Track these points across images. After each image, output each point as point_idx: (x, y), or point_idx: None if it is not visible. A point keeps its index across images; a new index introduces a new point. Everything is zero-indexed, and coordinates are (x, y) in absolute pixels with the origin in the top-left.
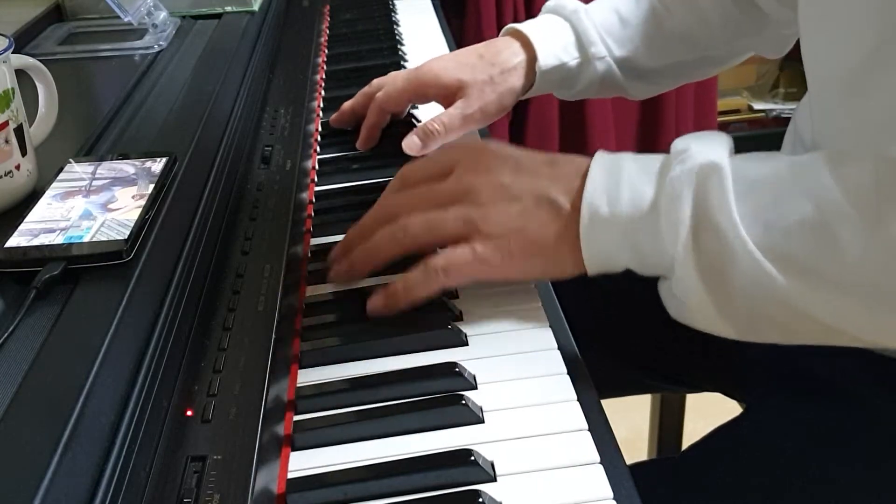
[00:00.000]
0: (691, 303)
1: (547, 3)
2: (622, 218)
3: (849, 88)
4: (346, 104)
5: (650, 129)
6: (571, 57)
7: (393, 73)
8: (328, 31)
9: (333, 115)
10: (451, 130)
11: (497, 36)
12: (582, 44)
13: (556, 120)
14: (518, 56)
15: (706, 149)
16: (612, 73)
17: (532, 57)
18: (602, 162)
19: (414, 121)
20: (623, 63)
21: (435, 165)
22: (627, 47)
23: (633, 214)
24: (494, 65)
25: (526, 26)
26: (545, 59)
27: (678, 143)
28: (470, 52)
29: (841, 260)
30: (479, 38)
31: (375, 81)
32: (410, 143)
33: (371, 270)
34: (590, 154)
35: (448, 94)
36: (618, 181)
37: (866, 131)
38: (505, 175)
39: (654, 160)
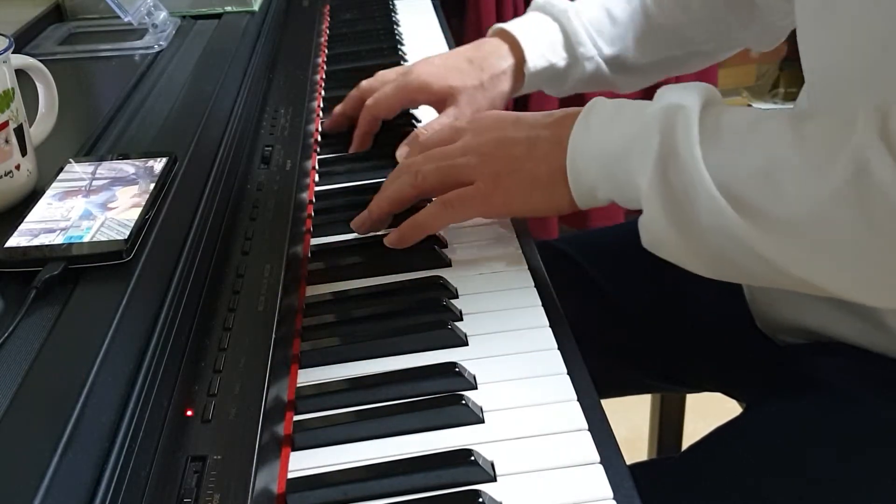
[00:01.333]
0: (658, 234)
1: (535, 1)
2: (600, 151)
3: (845, 83)
4: (338, 108)
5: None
6: (560, 58)
7: (381, 75)
8: (328, 31)
9: (326, 122)
10: None
11: None
12: (570, 44)
13: None
14: (507, 60)
15: (680, 93)
16: (601, 70)
17: (520, 59)
18: (592, 104)
19: (414, 122)
20: (612, 60)
21: (448, 131)
22: (617, 45)
23: (610, 149)
24: (484, 70)
25: (514, 27)
26: (533, 61)
27: (661, 89)
28: (459, 56)
29: (784, 204)
30: (479, 38)
31: (364, 84)
32: (403, 154)
33: (388, 215)
34: None
35: (439, 101)
36: (601, 119)
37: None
38: (506, 129)
39: (638, 103)
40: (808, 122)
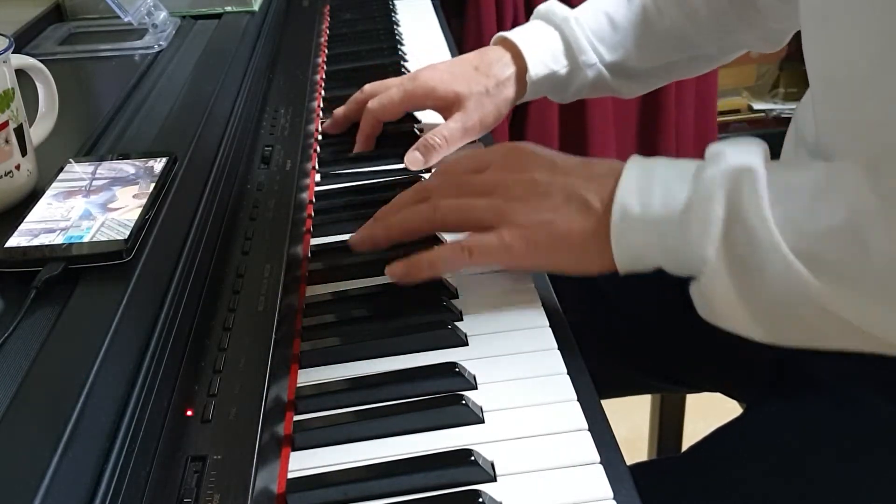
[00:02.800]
0: (720, 303)
1: (537, 9)
2: (654, 217)
3: (851, 88)
4: (339, 111)
5: (650, 129)
6: (561, 66)
7: (386, 82)
8: (328, 31)
9: (326, 123)
10: (452, 143)
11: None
12: (572, 52)
13: (556, 120)
14: (509, 68)
15: (740, 153)
16: (603, 77)
17: (522, 67)
18: (636, 163)
19: (416, 129)
20: (614, 67)
21: (473, 161)
22: (619, 52)
23: (664, 214)
24: (489, 76)
25: (515, 35)
26: (535, 69)
27: (712, 147)
28: (464, 63)
29: (869, 264)
30: (479, 38)
31: (367, 88)
32: (412, 159)
33: (392, 241)
34: (590, 153)
35: (445, 106)
36: (650, 181)
37: (870, 131)
38: (538, 172)
39: (688, 163)
40: (884, 173)
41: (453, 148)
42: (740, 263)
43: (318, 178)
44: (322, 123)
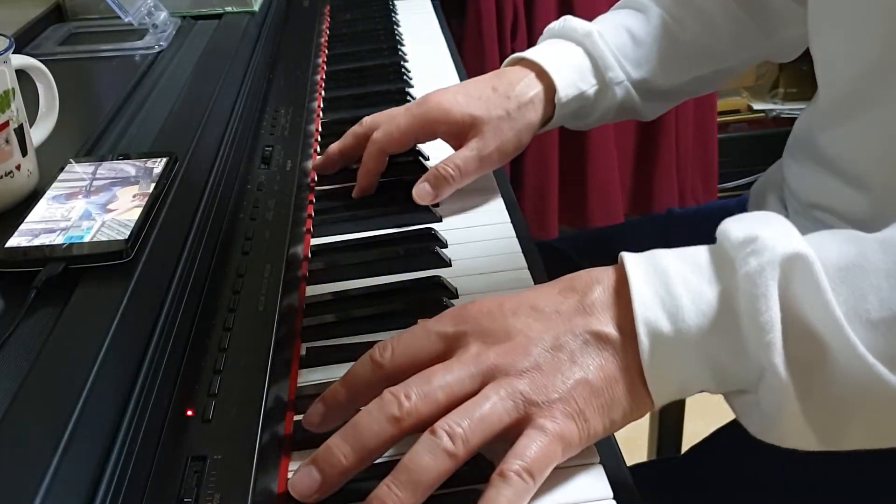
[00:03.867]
0: (784, 417)
1: (551, 27)
2: (690, 331)
3: (858, 95)
4: (334, 147)
5: (650, 129)
6: (589, 84)
7: (390, 111)
8: (328, 32)
9: (318, 160)
10: (467, 174)
11: (496, 38)
12: (599, 70)
13: None
14: (534, 88)
15: (780, 235)
16: (630, 96)
17: (549, 87)
18: (639, 268)
19: (421, 158)
20: (640, 85)
21: (424, 340)
22: (644, 68)
23: (702, 324)
24: (510, 98)
25: (537, 54)
26: (565, 90)
27: (735, 231)
28: (481, 83)
29: None
30: (479, 38)
31: (367, 120)
32: (421, 192)
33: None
34: (588, 155)
35: (460, 132)
36: (669, 287)
37: (880, 136)
38: (529, 328)
39: (697, 252)
40: None
41: (467, 179)
42: (803, 369)
43: (317, 178)
44: (315, 162)
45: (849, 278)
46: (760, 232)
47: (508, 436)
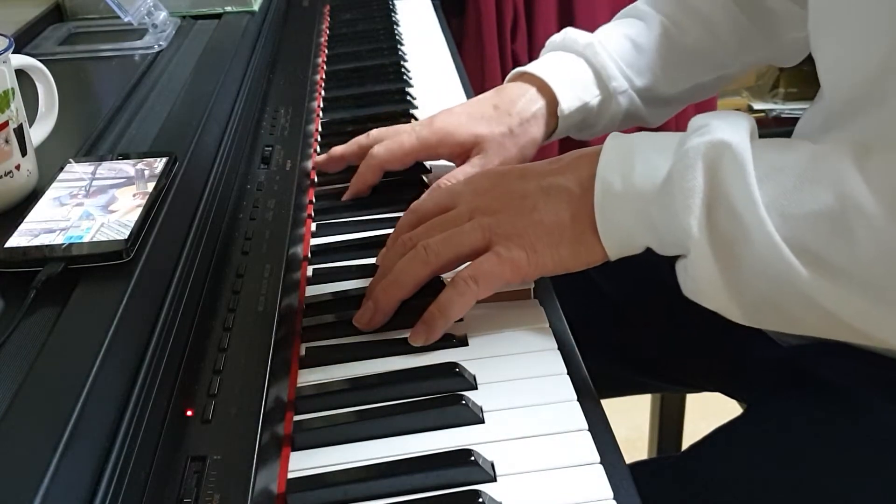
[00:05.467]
0: (703, 281)
1: (552, 39)
2: (635, 192)
3: (861, 98)
4: (337, 150)
5: (649, 129)
6: (592, 96)
7: (398, 128)
8: (328, 31)
9: (321, 158)
10: None
11: (496, 38)
12: (602, 80)
13: None
14: (536, 103)
15: (726, 127)
16: (634, 105)
17: (552, 101)
18: (615, 139)
19: (424, 175)
20: (644, 93)
21: (445, 195)
22: (646, 76)
23: (646, 188)
24: (512, 115)
25: (538, 68)
26: (567, 102)
27: (697, 119)
28: (482, 102)
29: (854, 253)
30: (479, 38)
31: (374, 133)
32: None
33: (398, 302)
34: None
35: (463, 152)
36: (631, 157)
37: (884, 138)
38: (510, 183)
39: (668, 136)
40: (873, 158)
41: None
42: (724, 240)
43: (317, 177)
44: (317, 158)
45: (777, 176)
46: (713, 121)
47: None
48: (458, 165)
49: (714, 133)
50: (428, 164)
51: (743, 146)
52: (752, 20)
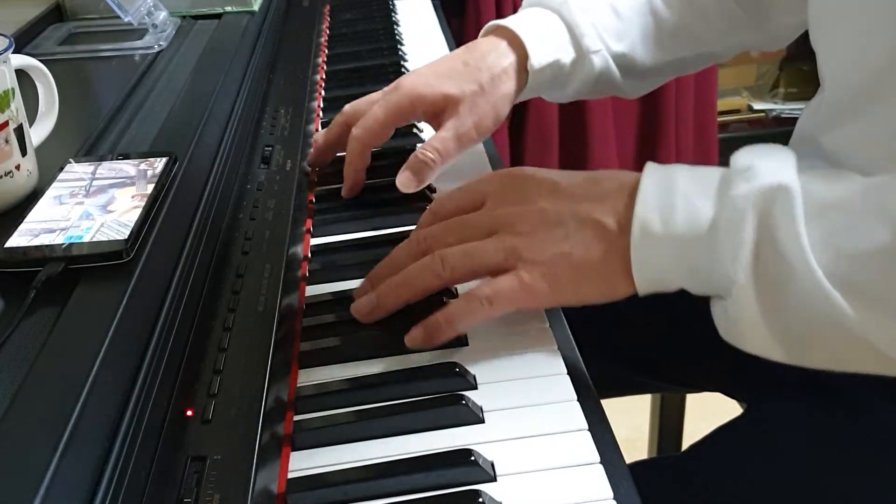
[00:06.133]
0: (745, 326)
1: None
2: (677, 235)
3: (866, 92)
4: (319, 136)
5: (650, 129)
6: (565, 52)
7: (367, 99)
8: (328, 31)
9: (310, 155)
10: (448, 155)
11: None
12: (575, 37)
13: (556, 120)
14: (507, 57)
15: (773, 167)
16: (609, 69)
17: (522, 55)
18: (653, 176)
19: (416, 131)
20: (620, 59)
21: (467, 196)
22: (624, 42)
23: (689, 232)
24: (482, 70)
25: (511, 22)
26: (538, 58)
27: (741, 159)
28: (452, 59)
29: None
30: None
31: (347, 108)
32: (404, 180)
33: (403, 303)
34: (589, 154)
35: (436, 113)
36: (671, 196)
37: (889, 135)
38: (542, 200)
39: (710, 173)
40: None
41: (449, 161)
42: (770, 286)
43: (317, 178)
44: (307, 155)
45: (827, 212)
46: (758, 161)
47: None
48: (433, 126)
49: (762, 178)
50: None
51: (794, 189)
52: (740, 2)
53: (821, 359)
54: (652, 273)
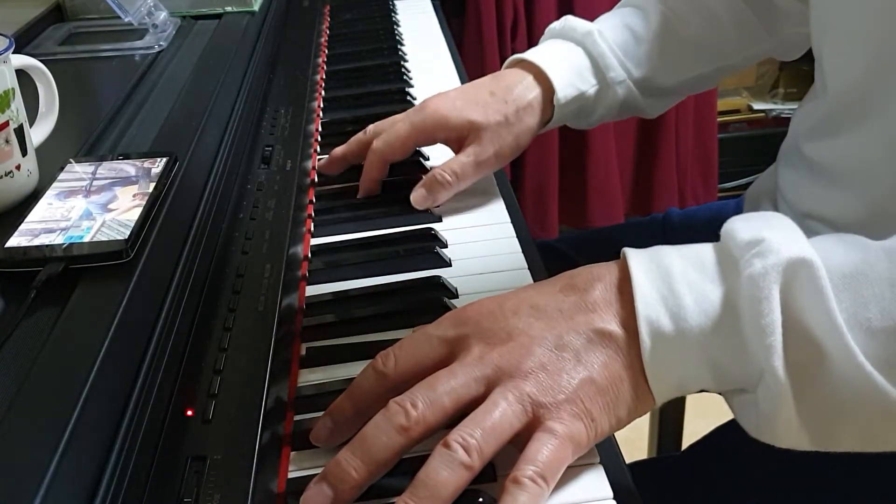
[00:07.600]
0: (780, 418)
1: (551, 27)
2: (692, 331)
3: (869, 94)
4: (338, 150)
5: (650, 128)
6: (589, 85)
7: (392, 119)
8: (328, 31)
9: (323, 161)
10: (464, 179)
11: (496, 38)
12: (599, 69)
13: None
14: (532, 91)
15: (786, 239)
16: (632, 95)
17: (548, 89)
18: (641, 265)
19: (422, 159)
20: (642, 83)
21: (426, 346)
22: (645, 67)
23: (704, 324)
24: (508, 103)
25: (535, 56)
26: (563, 91)
27: (741, 232)
28: (479, 87)
29: None
30: (479, 38)
31: (371, 127)
32: (418, 198)
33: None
34: (589, 154)
35: (459, 137)
36: (671, 284)
37: (883, 144)
38: (530, 328)
39: (703, 251)
40: None
41: (464, 184)
42: (800, 371)
43: (317, 177)
44: (318, 162)
45: (852, 285)
46: (767, 234)
47: (518, 439)
48: (453, 149)
49: (779, 252)
50: (426, 153)
51: (816, 262)
52: (754, 12)
53: (849, 442)
54: (671, 379)
